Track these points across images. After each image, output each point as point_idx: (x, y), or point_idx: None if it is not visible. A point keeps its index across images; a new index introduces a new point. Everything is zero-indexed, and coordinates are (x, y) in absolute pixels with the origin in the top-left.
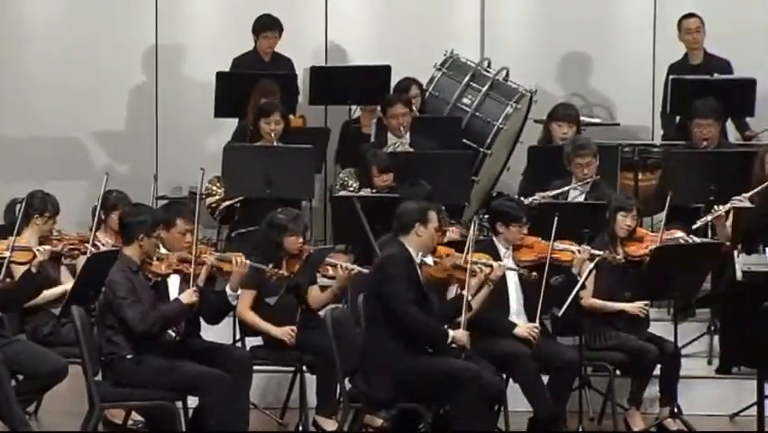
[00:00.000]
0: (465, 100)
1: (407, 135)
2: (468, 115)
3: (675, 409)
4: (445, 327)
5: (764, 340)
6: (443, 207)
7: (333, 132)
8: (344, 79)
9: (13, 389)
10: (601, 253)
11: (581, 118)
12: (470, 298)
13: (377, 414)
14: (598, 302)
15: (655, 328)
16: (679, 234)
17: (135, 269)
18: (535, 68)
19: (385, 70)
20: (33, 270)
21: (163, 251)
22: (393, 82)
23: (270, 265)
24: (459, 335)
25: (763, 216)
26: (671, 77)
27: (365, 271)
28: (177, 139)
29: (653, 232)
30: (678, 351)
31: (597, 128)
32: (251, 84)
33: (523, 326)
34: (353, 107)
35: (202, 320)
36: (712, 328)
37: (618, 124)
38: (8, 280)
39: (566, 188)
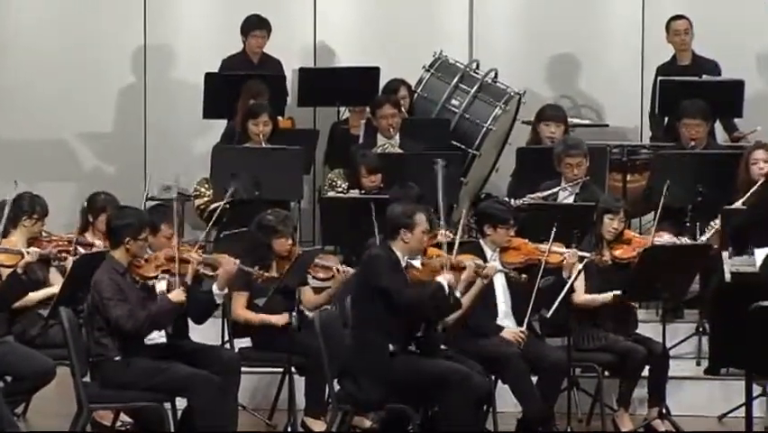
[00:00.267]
0: (454, 101)
1: (397, 137)
2: (456, 117)
3: (663, 410)
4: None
5: (753, 341)
6: (433, 210)
7: (321, 133)
8: (333, 81)
9: (1, 390)
10: (588, 255)
11: (570, 119)
12: (458, 294)
13: (365, 415)
14: (588, 297)
15: (644, 329)
16: (666, 237)
17: (122, 271)
18: (524, 69)
19: (374, 72)
20: (20, 270)
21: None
22: (382, 83)
23: (257, 268)
24: (445, 277)
25: (752, 217)
26: (659, 78)
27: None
28: (165, 140)
29: (641, 233)
30: (666, 352)
31: (585, 129)
32: (239, 85)
33: (509, 330)
34: (342, 109)
35: (190, 321)
36: (700, 329)
37: (607, 126)
38: None
39: (556, 189)
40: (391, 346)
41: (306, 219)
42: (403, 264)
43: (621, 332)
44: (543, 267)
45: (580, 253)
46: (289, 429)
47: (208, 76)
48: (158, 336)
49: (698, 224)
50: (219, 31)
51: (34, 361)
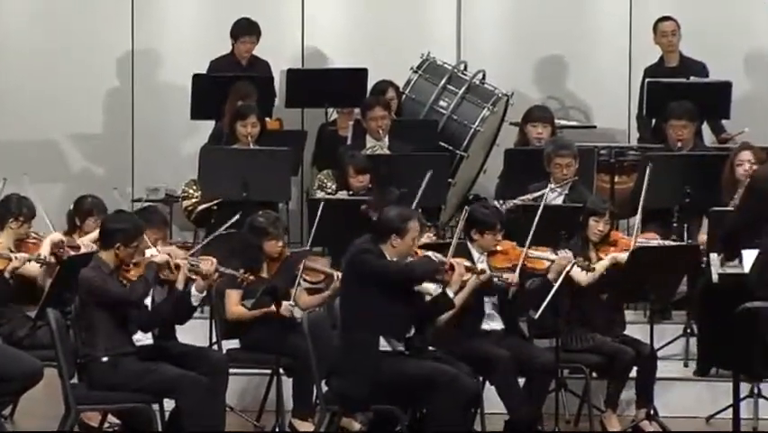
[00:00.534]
0: (442, 103)
1: (386, 138)
2: (444, 118)
3: (651, 411)
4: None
5: (740, 343)
6: (420, 210)
7: (309, 134)
8: (321, 82)
9: None
10: (573, 260)
11: (558, 121)
12: (452, 294)
13: (354, 417)
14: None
15: (632, 330)
16: (654, 242)
17: (108, 272)
18: (512, 70)
19: (362, 73)
20: (7, 275)
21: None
22: (370, 85)
23: (242, 270)
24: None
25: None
26: (647, 80)
27: None
28: (153, 141)
29: (629, 235)
30: (654, 353)
31: (573, 131)
32: (227, 86)
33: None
34: (330, 110)
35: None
36: (688, 331)
37: (595, 127)
38: None
39: (545, 191)
40: (381, 345)
41: (294, 220)
42: None
43: (609, 333)
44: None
45: (566, 255)
46: (277, 430)
47: (196, 77)
48: (145, 338)
49: (685, 225)
50: (207, 32)
51: (22, 362)
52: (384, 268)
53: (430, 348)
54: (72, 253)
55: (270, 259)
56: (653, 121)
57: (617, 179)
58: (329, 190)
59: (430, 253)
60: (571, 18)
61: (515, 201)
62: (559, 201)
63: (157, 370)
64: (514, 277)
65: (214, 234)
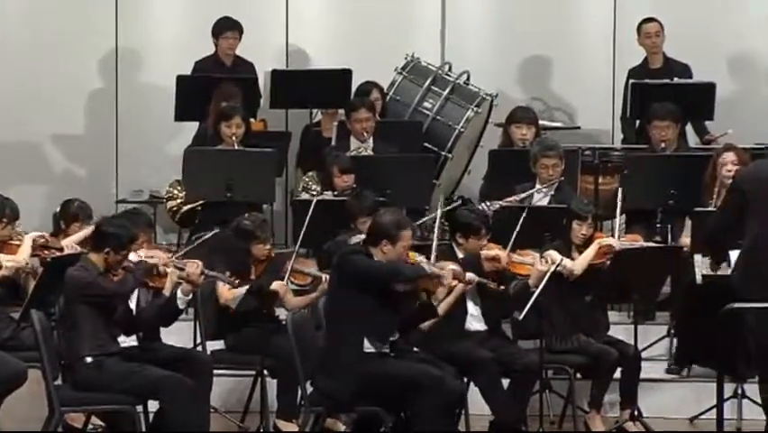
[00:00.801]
0: (426, 104)
1: (370, 140)
2: (429, 119)
3: (635, 412)
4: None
5: (724, 343)
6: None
7: (293, 135)
8: (305, 83)
9: None
10: (557, 261)
11: (542, 122)
12: (435, 302)
13: (339, 419)
14: (578, 261)
15: (616, 331)
16: (638, 244)
17: (96, 274)
18: (496, 72)
19: (346, 74)
20: None
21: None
22: (354, 86)
23: (228, 274)
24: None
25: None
26: (630, 81)
27: None
28: (137, 142)
29: (611, 237)
30: (638, 354)
31: (557, 132)
32: (211, 87)
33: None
34: (314, 111)
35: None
36: (672, 331)
37: (579, 128)
38: None
39: (531, 192)
40: (366, 347)
41: (279, 221)
42: None
43: (593, 334)
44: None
45: (552, 256)
46: (261, 431)
47: (180, 78)
48: (129, 339)
49: (669, 226)
50: (191, 33)
51: (6, 364)
52: (370, 267)
53: (414, 350)
54: (57, 254)
55: (257, 261)
56: (637, 122)
57: (600, 180)
58: (314, 192)
59: (424, 264)
60: (554, 19)
61: (500, 203)
62: (545, 202)
63: (141, 371)
64: (498, 285)
65: (195, 243)
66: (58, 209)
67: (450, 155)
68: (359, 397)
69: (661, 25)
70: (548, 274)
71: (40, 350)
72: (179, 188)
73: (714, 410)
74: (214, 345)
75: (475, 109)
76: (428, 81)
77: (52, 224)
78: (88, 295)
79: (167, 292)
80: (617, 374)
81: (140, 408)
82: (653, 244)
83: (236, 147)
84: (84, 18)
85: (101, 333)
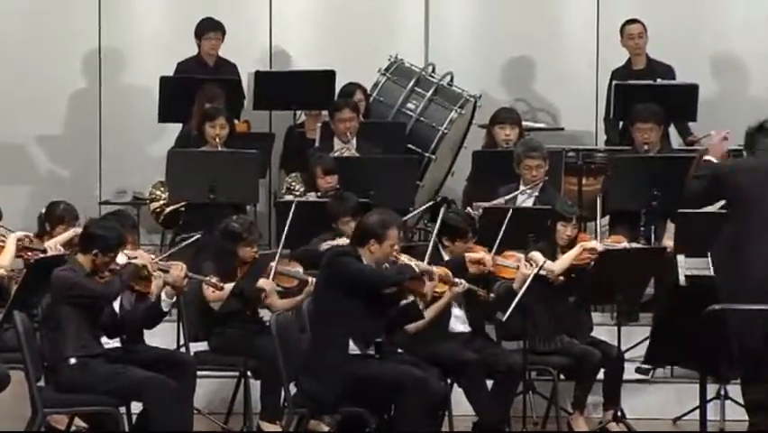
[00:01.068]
0: (410, 105)
1: (354, 141)
2: (412, 120)
3: (618, 413)
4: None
5: (707, 344)
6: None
7: (277, 136)
8: (289, 84)
9: None
10: (541, 263)
11: (526, 123)
12: (422, 306)
13: (322, 420)
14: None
15: (599, 332)
16: (622, 245)
17: (83, 274)
18: (480, 73)
19: (329, 75)
20: None
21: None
22: (338, 87)
23: (210, 276)
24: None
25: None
26: (614, 82)
27: None
28: (120, 143)
29: (596, 238)
30: (621, 355)
31: (541, 133)
32: (195, 89)
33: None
34: (298, 112)
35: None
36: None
37: (562, 129)
38: None
39: (515, 194)
40: (351, 348)
41: (262, 223)
42: None
43: (576, 335)
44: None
45: (535, 257)
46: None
47: (163, 79)
48: (112, 341)
49: (653, 227)
50: (174, 34)
51: None
52: (358, 272)
53: (398, 351)
54: (41, 255)
55: (243, 264)
56: (621, 123)
57: (584, 181)
58: (297, 193)
59: (412, 263)
60: (538, 20)
61: (484, 205)
62: (529, 203)
63: (125, 373)
64: (487, 292)
65: (179, 246)
66: (43, 211)
67: (433, 156)
68: (343, 398)
69: (644, 27)
70: (531, 276)
71: (23, 351)
72: (163, 189)
73: (697, 411)
74: (198, 347)
75: (459, 110)
76: (412, 82)
77: (37, 225)
78: (74, 296)
79: (153, 297)
80: (601, 375)
81: (123, 409)
82: (637, 245)
83: (220, 148)
84: (66, 19)
85: (85, 334)
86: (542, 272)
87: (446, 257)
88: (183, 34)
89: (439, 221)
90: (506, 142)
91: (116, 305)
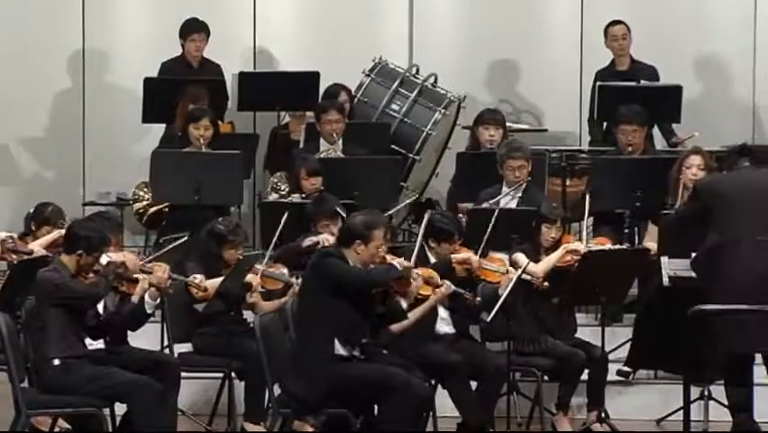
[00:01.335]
0: (394, 106)
1: (340, 142)
2: (396, 121)
3: (602, 414)
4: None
5: (691, 345)
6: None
7: (261, 137)
8: (273, 85)
9: None
10: (520, 270)
11: (509, 124)
12: (405, 305)
13: (306, 421)
14: (541, 263)
15: (583, 334)
16: (605, 247)
17: (68, 275)
18: (464, 74)
19: (313, 76)
20: None
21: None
22: (322, 88)
23: (193, 277)
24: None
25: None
26: (597, 83)
27: None
28: (104, 144)
29: (580, 239)
30: (605, 356)
31: (525, 134)
32: (179, 89)
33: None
34: (282, 113)
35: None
36: None
37: (546, 130)
38: None
39: (500, 197)
40: (337, 349)
41: (247, 224)
42: None
43: (560, 336)
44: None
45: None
46: None
47: (147, 80)
48: (96, 342)
49: (636, 228)
50: (158, 34)
51: None
52: (345, 273)
53: (383, 352)
54: (25, 257)
55: (228, 266)
56: (604, 124)
57: (568, 182)
58: (282, 192)
59: (396, 262)
60: (522, 22)
61: (468, 206)
62: (513, 204)
63: (109, 374)
64: (474, 296)
65: (165, 249)
66: (31, 211)
67: (418, 157)
68: (328, 399)
69: (628, 28)
70: (514, 279)
71: (6, 352)
72: (146, 190)
73: (681, 412)
74: (182, 348)
75: (443, 111)
76: (396, 83)
77: (24, 224)
78: (60, 297)
79: (135, 298)
80: (585, 376)
81: (107, 411)
82: (620, 247)
83: (204, 149)
84: (50, 20)
85: (69, 336)
86: (526, 276)
87: (432, 259)
88: (167, 35)
89: (425, 223)
90: (490, 143)
91: (100, 307)
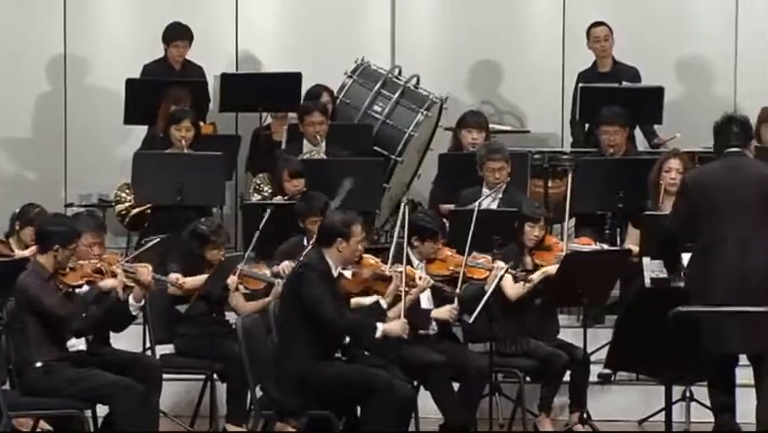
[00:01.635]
0: (376, 107)
1: (323, 144)
2: (379, 123)
3: (584, 415)
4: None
5: (672, 347)
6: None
7: (243, 139)
8: (255, 86)
9: None
10: (505, 267)
11: (492, 126)
12: (385, 305)
13: (288, 422)
14: (516, 287)
15: (565, 335)
16: (588, 247)
17: (46, 277)
18: (446, 75)
19: (296, 77)
20: None
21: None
22: (304, 89)
23: (175, 278)
24: (390, 327)
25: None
26: (579, 85)
27: None
28: (86, 146)
29: (563, 240)
30: (587, 357)
31: (507, 135)
32: (161, 91)
33: (443, 309)
34: (264, 115)
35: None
36: None
37: (528, 132)
38: None
39: (480, 200)
40: (318, 351)
41: (229, 225)
42: (335, 274)
43: (543, 337)
44: (461, 278)
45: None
46: None
47: (129, 82)
48: (78, 344)
49: (618, 229)
50: (140, 36)
51: None
52: (329, 318)
53: (365, 353)
54: (4, 259)
55: (210, 266)
56: (587, 126)
57: (550, 183)
58: (265, 194)
59: (381, 301)
60: (504, 23)
61: (449, 207)
62: (494, 206)
63: (90, 376)
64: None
65: (144, 248)
66: (17, 210)
67: (400, 159)
68: (310, 401)
69: (610, 29)
70: (496, 281)
71: None
72: (128, 191)
73: (663, 413)
74: (164, 350)
75: (425, 113)
76: (378, 85)
77: (9, 223)
78: (31, 309)
79: (120, 295)
80: (567, 377)
81: (89, 412)
82: (601, 247)
83: (186, 151)
84: (32, 21)
85: (50, 338)
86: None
87: (414, 257)
88: (149, 37)
89: (406, 222)
90: (472, 146)
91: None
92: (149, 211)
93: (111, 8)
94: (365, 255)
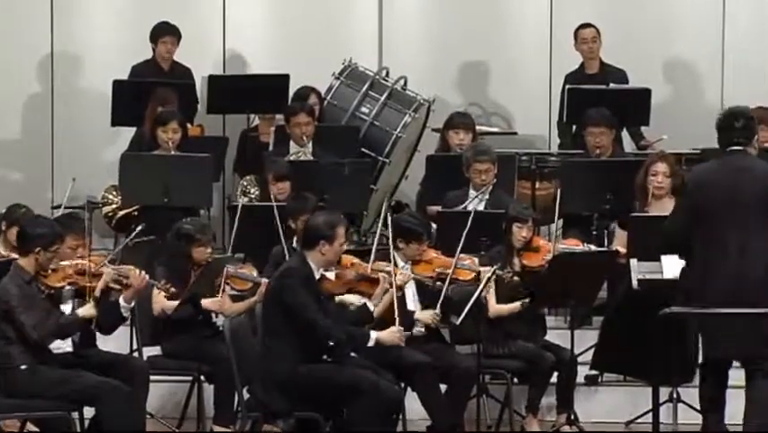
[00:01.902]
0: (364, 109)
1: (310, 145)
2: (366, 124)
3: (572, 416)
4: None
5: (658, 348)
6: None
7: (231, 140)
8: (242, 88)
9: None
10: (500, 271)
11: (479, 127)
12: (372, 307)
13: (275, 424)
14: (498, 307)
15: (552, 336)
16: (578, 248)
17: (28, 279)
18: (433, 77)
19: (283, 79)
20: None
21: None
22: (291, 91)
23: (163, 282)
24: (383, 336)
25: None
26: (567, 86)
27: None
28: (73, 147)
29: (550, 241)
30: (574, 358)
31: (494, 137)
32: (148, 92)
33: (426, 313)
34: (252, 116)
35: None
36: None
37: (516, 133)
38: None
39: (467, 203)
40: (304, 353)
41: (216, 227)
42: (317, 276)
43: (530, 339)
44: (449, 280)
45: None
46: None
47: (117, 83)
48: (64, 345)
49: (605, 231)
50: (128, 37)
51: None
52: (314, 323)
53: (352, 355)
54: None
55: (197, 266)
56: (574, 127)
57: (537, 185)
58: (252, 196)
59: (369, 304)
60: (491, 25)
61: (436, 209)
62: (481, 207)
63: (77, 377)
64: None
65: (123, 244)
66: (3, 211)
67: (387, 160)
68: (296, 402)
69: (597, 31)
70: (483, 283)
71: None
72: (115, 193)
73: (650, 414)
74: (151, 351)
75: (412, 114)
76: (366, 86)
77: None
78: (8, 320)
79: (97, 292)
80: (554, 379)
81: (75, 414)
82: (588, 248)
83: (173, 152)
84: (19, 21)
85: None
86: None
87: (399, 259)
88: (137, 38)
89: (390, 224)
90: (459, 147)
91: (68, 308)
92: (135, 213)
93: (98, 9)
94: (344, 256)
